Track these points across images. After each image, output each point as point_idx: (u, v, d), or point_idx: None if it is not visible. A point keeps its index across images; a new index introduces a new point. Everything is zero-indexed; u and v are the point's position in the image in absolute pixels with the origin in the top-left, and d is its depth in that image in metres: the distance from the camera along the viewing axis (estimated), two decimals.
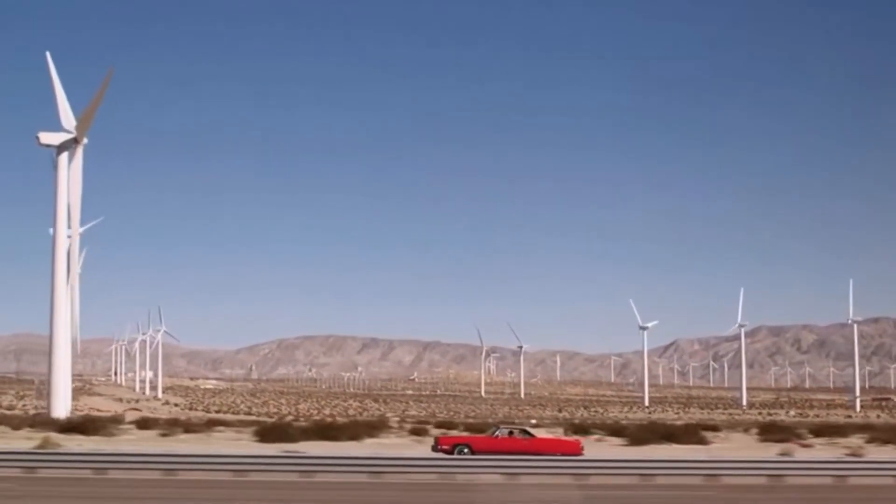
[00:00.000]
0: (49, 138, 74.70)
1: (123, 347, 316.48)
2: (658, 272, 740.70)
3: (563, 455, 43.28)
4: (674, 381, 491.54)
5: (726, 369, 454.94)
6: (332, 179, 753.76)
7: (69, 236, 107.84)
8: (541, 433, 48.60)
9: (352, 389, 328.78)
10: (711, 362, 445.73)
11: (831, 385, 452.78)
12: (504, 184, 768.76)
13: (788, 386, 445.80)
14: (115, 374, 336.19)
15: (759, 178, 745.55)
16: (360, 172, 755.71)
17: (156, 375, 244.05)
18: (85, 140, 75.43)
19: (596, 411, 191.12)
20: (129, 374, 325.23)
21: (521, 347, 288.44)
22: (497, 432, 48.22)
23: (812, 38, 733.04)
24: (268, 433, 55.92)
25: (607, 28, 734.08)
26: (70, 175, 74.83)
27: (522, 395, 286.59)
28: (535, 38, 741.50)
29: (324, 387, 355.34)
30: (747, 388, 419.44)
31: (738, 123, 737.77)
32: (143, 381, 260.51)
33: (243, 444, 51.97)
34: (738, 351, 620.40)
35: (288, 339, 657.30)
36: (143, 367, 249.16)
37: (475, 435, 51.24)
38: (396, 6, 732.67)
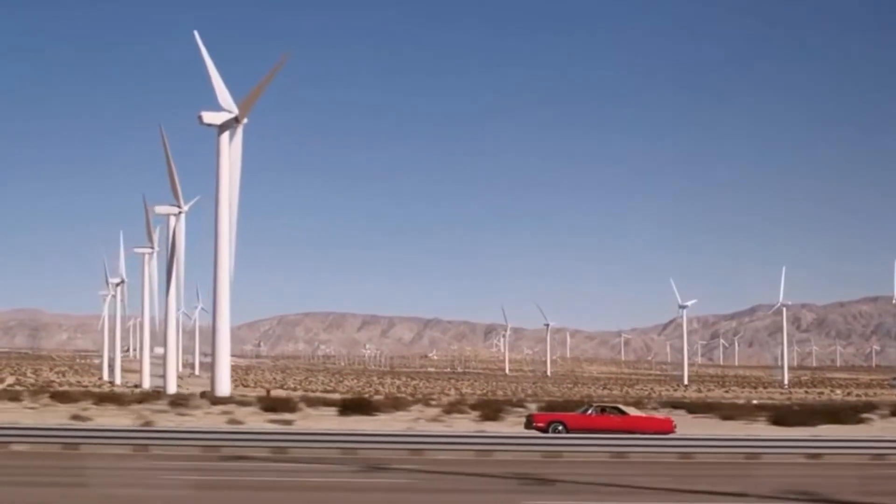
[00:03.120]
0: (211, 118, 74.47)
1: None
2: (654, 251, 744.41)
3: (655, 433, 43.02)
4: (677, 359, 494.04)
5: (737, 347, 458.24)
6: (333, 158, 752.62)
7: (179, 213, 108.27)
8: (632, 411, 48.30)
9: (372, 367, 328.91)
10: (722, 340, 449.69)
11: (838, 364, 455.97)
12: (504, 166, 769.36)
13: (795, 365, 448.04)
14: (131, 350, 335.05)
15: (755, 161, 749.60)
16: (360, 151, 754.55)
17: (185, 354, 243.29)
18: (245, 120, 75.26)
19: (642, 389, 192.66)
20: (154, 351, 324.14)
21: (547, 325, 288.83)
22: (590, 410, 47.84)
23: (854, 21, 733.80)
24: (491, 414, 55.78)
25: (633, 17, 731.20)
26: (231, 154, 74.67)
27: (549, 373, 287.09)
28: (576, 25, 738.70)
29: (342, 363, 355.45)
30: (753, 367, 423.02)
31: (742, 110, 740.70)
32: (161, 359, 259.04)
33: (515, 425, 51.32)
34: (737, 330, 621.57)
35: (288, 316, 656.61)
36: (164, 342, 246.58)
37: (569, 412, 50.70)
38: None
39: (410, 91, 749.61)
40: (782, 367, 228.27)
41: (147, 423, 40.65)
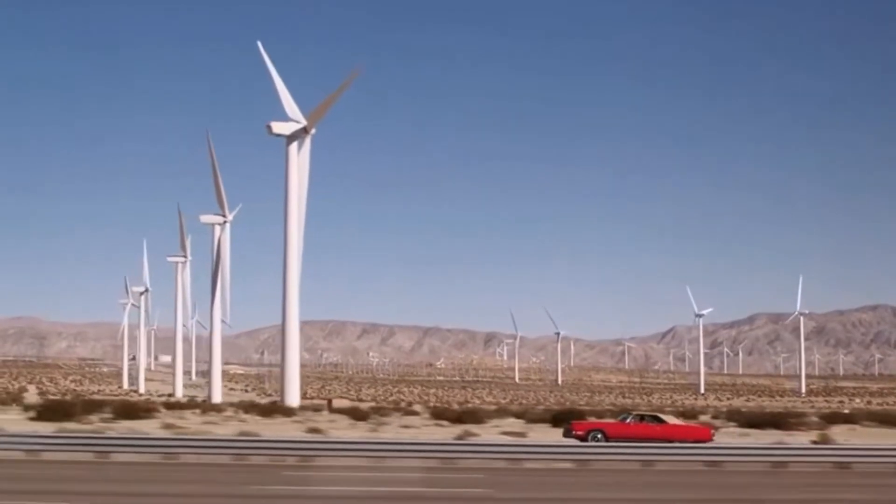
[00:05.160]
0: (281, 128, 74.65)
1: (153, 332, 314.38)
2: (653, 259, 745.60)
3: (695, 441, 43.14)
4: (679, 367, 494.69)
5: (741, 356, 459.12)
6: (329, 164, 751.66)
7: (224, 222, 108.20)
8: (670, 419, 48.20)
9: (380, 375, 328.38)
10: (726, 349, 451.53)
11: (841, 372, 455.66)
12: (503, 170, 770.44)
13: (797, 374, 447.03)
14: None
15: (753, 170, 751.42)
16: (360, 157, 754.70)
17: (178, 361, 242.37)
18: (313, 130, 75.43)
19: (661, 398, 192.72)
20: (160, 359, 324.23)
21: (558, 334, 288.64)
22: (629, 418, 47.73)
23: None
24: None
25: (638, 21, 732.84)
26: (299, 164, 74.87)
27: (559, 382, 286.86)
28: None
29: (350, 372, 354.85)
30: (758, 375, 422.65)
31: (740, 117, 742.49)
32: (166, 367, 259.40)
33: None
34: (737, 339, 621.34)
35: None
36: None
37: (608, 421, 50.73)
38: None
39: (406, 95, 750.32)
40: (799, 375, 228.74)
41: (450, 438, 40.40)
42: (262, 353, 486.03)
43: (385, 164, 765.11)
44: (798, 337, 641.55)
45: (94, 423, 44.67)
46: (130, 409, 51.02)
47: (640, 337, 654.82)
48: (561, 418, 48.02)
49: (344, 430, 46.35)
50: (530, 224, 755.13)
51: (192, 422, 50.96)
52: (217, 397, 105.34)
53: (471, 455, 34.33)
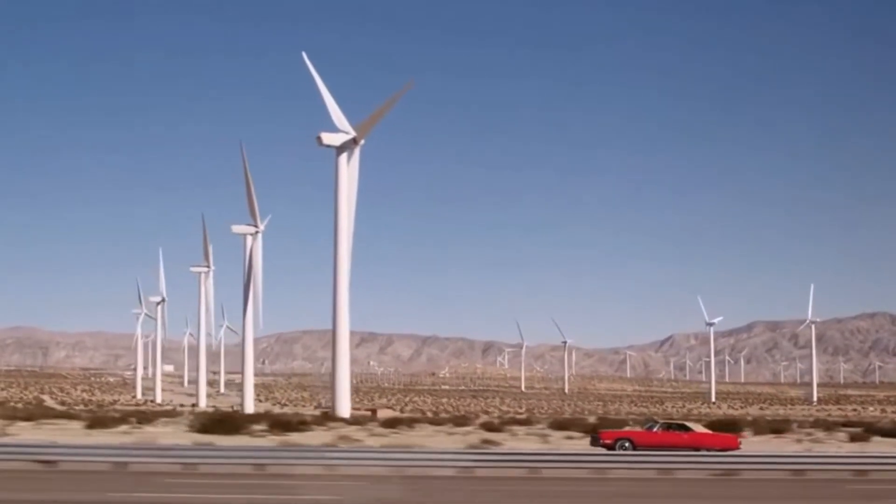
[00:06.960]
0: (331, 139, 74.93)
1: (158, 342, 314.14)
2: (651, 268, 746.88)
3: (722, 449, 43.46)
4: (679, 376, 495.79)
5: (742, 364, 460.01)
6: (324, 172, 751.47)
7: (255, 232, 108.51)
8: (697, 427, 48.64)
9: (385, 384, 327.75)
10: (728, 357, 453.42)
11: (841, 380, 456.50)
12: (501, 180, 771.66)
13: (798, 382, 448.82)
14: (140, 368, 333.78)
15: (751, 177, 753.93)
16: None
17: (180, 370, 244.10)
18: (362, 141, 75.75)
19: (675, 406, 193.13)
20: (162, 369, 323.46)
21: (565, 343, 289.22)
22: (655, 427, 47.96)
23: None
24: None
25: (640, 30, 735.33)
26: (349, 174, 75.17)
27: (566, 390, 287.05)
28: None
29: (355, 381, 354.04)
30: (761, 384, 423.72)
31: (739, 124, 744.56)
32: (171, 376, 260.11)
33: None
34: (735, 347, 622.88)
35: (286, 333, 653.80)
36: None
37: (635, 430, 50.82)
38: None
39: (407, 105, 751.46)
40: (809, 383, 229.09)
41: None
42: (263, 363, 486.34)
43: (381, 173, 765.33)
44: (796, 345, 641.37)
45: (266, 437, 44.74)
46: (287, 423, 51.37)
47: (638, 345, 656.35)
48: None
49: (514, 443, 46.05)
50: (527, 233, 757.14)
51: (337, 434, 50.57)
52: (250, 407, 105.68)
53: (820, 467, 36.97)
